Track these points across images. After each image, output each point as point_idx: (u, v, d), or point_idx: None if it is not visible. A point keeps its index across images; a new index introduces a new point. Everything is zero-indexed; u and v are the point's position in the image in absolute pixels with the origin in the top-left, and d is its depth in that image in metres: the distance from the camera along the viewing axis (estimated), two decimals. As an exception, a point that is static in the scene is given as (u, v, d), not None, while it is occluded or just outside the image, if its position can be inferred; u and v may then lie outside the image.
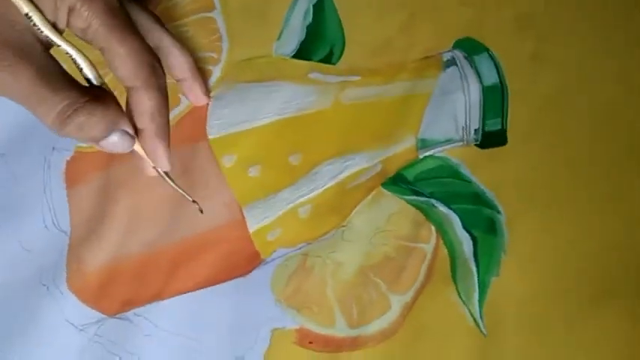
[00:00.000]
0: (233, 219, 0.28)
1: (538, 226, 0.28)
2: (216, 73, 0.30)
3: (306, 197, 0.28)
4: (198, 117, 0.29)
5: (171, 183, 0.25)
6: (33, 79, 0.19)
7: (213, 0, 0.30)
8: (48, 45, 0.20)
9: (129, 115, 0.23)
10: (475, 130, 0.29)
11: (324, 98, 0.29)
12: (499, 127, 0.29)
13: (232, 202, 0.28)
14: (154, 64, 0.22)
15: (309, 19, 0.30)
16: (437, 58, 0.30)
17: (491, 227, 0.28)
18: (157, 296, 0.28)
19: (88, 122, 0.21)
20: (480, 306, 0.27)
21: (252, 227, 0.28)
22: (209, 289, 0.28)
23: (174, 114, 0.29)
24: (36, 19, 0.20)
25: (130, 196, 0.29)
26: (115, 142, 0.22)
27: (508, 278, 0.28)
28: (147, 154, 0.24)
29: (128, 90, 0.22)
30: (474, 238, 0.28)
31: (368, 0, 0.31)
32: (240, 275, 0.28)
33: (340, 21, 0.31)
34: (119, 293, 0.28)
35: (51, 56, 0.20)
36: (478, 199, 0.29)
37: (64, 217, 0.29)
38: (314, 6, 0.30)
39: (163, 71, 0.23)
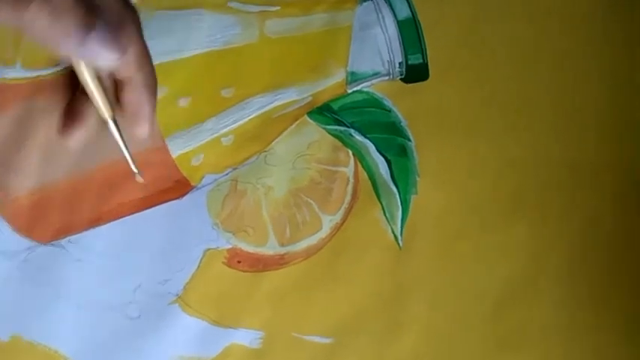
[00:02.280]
0: (155, 145, 0.29)
1: (448, 149, 0.32)
2: (133, -1, 0.29)
3: (229, 127, 0.30)
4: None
5: (122, 145, 0.23)
6: None
7: None
8: None
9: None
10: (399, 63, 0.31)
11: (248, 31, 0.30)
12: (420, 60, 0.31)
13: (155, 132, 0.29)
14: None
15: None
16: (353, -8, 0.32)
17: (403, 151, 0.31)
18: (93, 222, 0.29)
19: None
20: (402, 223, 0.31)
21: (175, 153, 0.29)
22: (144, 213, 0.29)
23: None
24: None
25: (50, 125, 0.28)
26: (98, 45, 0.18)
27: (425, 196, 0.31)
28: (129, 109, 0.22)
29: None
30: (388, 161, 0.31)
31: None
32: (173, 199, 0.29)
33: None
34: (52, 221, 0.28)
35: None
36: (392, 127, 0.31)
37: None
38: None
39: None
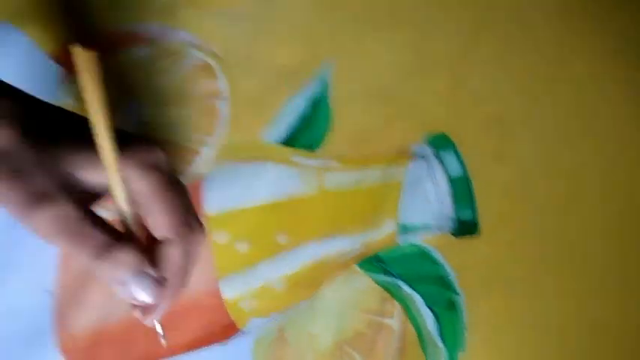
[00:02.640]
0: (208, 289, 0.30)
1: (497, 306, 0.31)
2: (206, 153, 0.33)
3: (281, 274, 0.31)
4: (194, 194, 0.32)
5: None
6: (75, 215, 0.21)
7: (221, 91, 0.34)
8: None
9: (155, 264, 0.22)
10: (449, 217, 0.32)
11: (308, 183, 0.33)
12: (471, 217, 0.32)
13: (210, 275, 0.30)
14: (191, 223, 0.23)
15: (304, 110, 0.34)
16: (407, 151, 0.34)
17: (451, 306, 0.31)
18: None
19: (125, 261, 0.21)
20: None
21: (227, 296, 0.30)
22: (190, 356, 0.29)
23: None
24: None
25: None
26: (142, 287, 0.22)
27: (472, 354, 0.30)
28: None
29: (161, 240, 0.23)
30: (435, 315, 0.31)
31: (362, 96, 0.34)
32: (219, 343, 0.30)
33: (331, 114, 0.34)
34: (106, 358, 0.29)
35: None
36: (441, 280, 0.31)
37: (50, 277, 0.30)
38: (311, 101, 0.34)
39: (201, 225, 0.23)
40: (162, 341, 0.25)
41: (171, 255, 0.23)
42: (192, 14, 0.35)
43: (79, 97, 0.33)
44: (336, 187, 0.33)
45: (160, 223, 0.22)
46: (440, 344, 0.30)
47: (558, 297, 0.32)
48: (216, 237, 0.31)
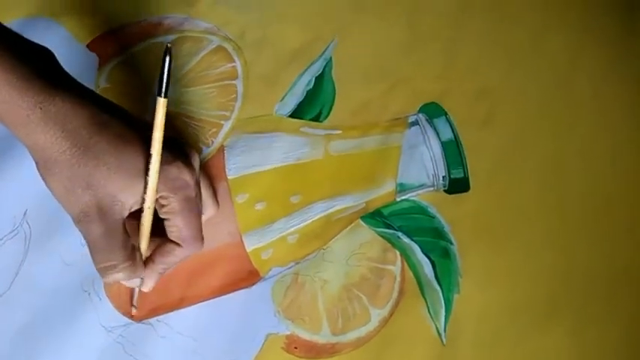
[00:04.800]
0: (233, 241, 0.35)
1: (488, 253, 0.35)
2: (226, 126, 0.37)
3: (295, 227, 0.35)
4: (218, 161, 0.36)
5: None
6: (100, 235, 0.27)
7: (238, 71, 0.38)
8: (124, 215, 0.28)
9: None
10: (443, 177, 0.36)
11: (315, 149, 0.37)
12: (462, 175, 0.36)
13: (235, 230, 0.35)
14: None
15: (310, 86, 0.38)
16: (403, 119, 0.38)
17: (446, 254, 0.35)
18: (178, 304, 0.33)
19: (120, 278, 0.29)
20: (446, 320, 0.34)
21: (249, 248, 0.35)
22: (219, 298, 0.34)
23: (204, 153, 0.36)
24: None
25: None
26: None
27: (467, 296, 0.34)
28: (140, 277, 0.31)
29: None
30: (432, 262, 0.35)
31: (361, 72, 0.38)
32: (245, 287, 0.34)
33: (335, 88, 0.38)
34: (147, 302, 0.33)
35: (123, 224, 0.28)
36: (436, 231, 0.35)
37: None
38: (316, 77, 0.38)
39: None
40: (134, 310, 0.33)
41: (175, 255, 0.30)
42: (209, 4, 0.39)
43: (112, 81, 0.38)
44: (341, 152, 0.37)
45: (175, 232, 0.29)
46: (437, 287, 0.34)
47: (545, 245, 0.35)
48: (238, 198, 0.35)
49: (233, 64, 0.39)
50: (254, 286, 0.34)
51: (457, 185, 0.36)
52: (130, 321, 0.33)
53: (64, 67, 0.28)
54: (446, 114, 0.38)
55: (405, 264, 0.35)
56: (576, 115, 0.38)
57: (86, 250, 0.28)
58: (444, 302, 0.34)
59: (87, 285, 0.33)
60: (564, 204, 0.36)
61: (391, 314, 0.34)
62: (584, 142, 0.37)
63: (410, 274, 0.34)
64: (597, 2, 0.41)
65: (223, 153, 0.36)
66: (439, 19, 0.40)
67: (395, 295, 0.34)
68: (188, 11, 0.39)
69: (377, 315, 0.34)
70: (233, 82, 0.38)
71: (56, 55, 0.28)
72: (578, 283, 0.34)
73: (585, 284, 0.34)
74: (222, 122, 0.37)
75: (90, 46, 0.38)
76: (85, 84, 0.28)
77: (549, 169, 0.37)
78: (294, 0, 0.40)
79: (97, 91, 0.33)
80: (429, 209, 0.36)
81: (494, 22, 0.40)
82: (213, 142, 0.37)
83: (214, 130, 0.37)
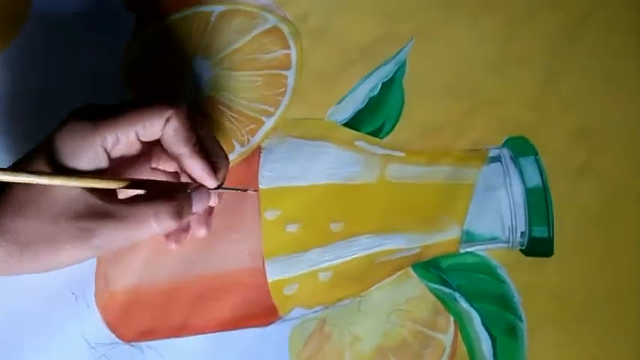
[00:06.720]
0: (254, 266, 0.29)
1: (563, 340, 0.28)
2: (267, 124, 0.31)
3: (330, 262, 0.29)
4: (251, 164, 0.30)
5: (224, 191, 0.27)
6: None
7: (291, 61, 0.32)
8: None
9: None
10: (522, 233, 0.30)
11: (369, 171, 0.30)
12: (546, 234, 0.29)
13: (258, 252, 0.29)
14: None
15: (375, 92, 0.32)
16: (482, 152, 0.31)
17: (512, 331, 0.28)
18: (176, 332, 0.28)
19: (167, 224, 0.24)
20: None
21: (271, 278, 0.29)
22: (225, 333, 0.28)
23: (237, 152, 0.30)
24: None
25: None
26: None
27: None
28: (194, 176, 0.25)
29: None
30: (492, 338, 0.28)
31: (439, 85, 0.32)
32: (258, 326, 0.28)
33: (404, 99, 0.32)
34: (141, 321, 0.28)
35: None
36: (503, 300, 0.29)
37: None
38: (383, 83, 0.32)
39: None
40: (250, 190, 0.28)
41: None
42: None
43: (147, 50, 0.32)
44: (400, 179, 0.30)
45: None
46: (493, 370, 0.28)
47: (630, 337, 0.28)
48: (267, 214, 0.29)
49: (287, 50, 0.32)
50: (269, 327, 0.28)
51: (538, 246, 0.29)
52: (118, 340, 0.28)
53: (96, 28, 0.25)
54: (536, 154, 0.31)
55: (459, 335, 0.28)
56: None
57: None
58: (500, 391, 0.27)
59: (75, 287, 0.29)
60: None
61: (431, 395, 0.27)
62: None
63: (463, 348, 0.28)
64: None
65: (259, 156, 0.30)
66: (541, 41, 0.33)
67: (439, 370, 0.27)
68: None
69: (413, 392, 0.27)
70: (284, 72, 0.32)
71: (97, 12, 0.25)
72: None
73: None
74: (263, 118, 0.31)
75: (129, 4, 0.32)
76: (117, 49, 0.28)
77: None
78: (373, -14, 0.33)
79: (129, 58, 0.31)
80: (498, 270, 0.29)
81: (602, 56, 0.33)
82: (249, 140, 0.31)
83: (253, 126, 0.31)
